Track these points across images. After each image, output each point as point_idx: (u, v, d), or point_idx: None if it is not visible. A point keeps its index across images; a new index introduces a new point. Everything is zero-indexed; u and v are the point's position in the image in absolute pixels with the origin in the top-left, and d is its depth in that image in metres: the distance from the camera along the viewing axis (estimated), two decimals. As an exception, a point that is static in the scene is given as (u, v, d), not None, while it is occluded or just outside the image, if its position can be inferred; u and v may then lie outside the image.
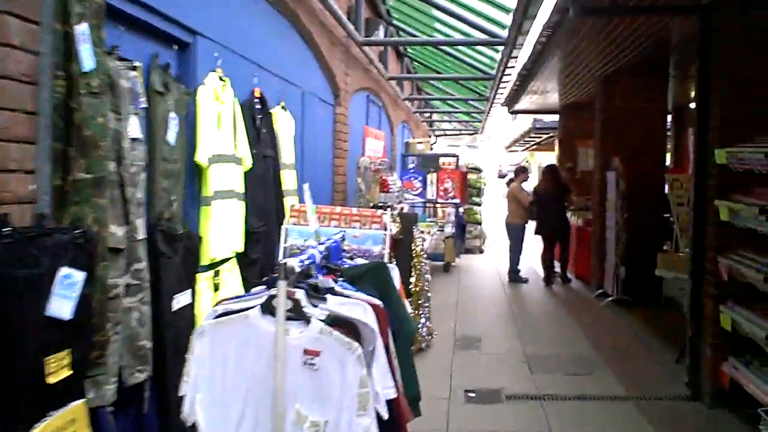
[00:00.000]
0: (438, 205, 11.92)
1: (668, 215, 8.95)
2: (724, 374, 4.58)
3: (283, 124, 4.56)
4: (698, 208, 5.01)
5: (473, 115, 15.82)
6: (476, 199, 14.46)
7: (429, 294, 6.62)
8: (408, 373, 2.62)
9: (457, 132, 20.44)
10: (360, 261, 3.06)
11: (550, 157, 14.88)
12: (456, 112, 16.13)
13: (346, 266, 2.72)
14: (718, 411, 4.69)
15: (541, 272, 10.37)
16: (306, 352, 2.02)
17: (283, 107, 4.58)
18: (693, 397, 4.95)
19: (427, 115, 18.10)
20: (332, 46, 6.31)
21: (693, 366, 5.02)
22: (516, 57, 7.90)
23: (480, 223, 14.29)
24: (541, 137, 17.67)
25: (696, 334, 5.01)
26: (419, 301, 6.10)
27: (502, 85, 10.17)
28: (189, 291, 3.08)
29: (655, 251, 8.41)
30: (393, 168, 9.59)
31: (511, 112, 13.55)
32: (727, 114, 4.67)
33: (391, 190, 6.38)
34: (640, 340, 6.74)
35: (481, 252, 14.11)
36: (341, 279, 2.48)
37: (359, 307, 2.24)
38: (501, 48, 7.81)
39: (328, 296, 2.22)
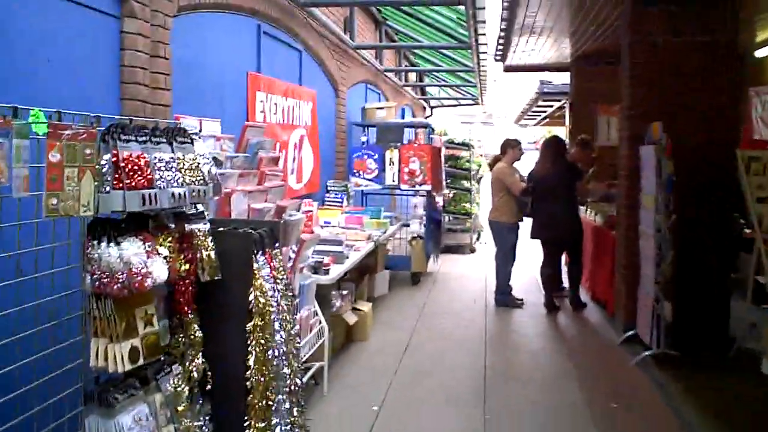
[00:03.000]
0: (399, 194, 8.80)
1: (739, 216, 5.75)
2: None
3: None
4: None
5: (466, 78, 12.55)
6: (465, 184, 11.26)
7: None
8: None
9: (455, 102, 17.10)
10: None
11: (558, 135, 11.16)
12: (441, 71, 12.77)
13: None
14: None
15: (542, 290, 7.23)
16: None
17: None
18: None
19: (419, 89, 14.92)
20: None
21: None
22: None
23: (469, 215, 11.11)
24: (552, 106, 14.31)
25: None
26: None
27: (479, 26, 6.95)
28: None
29: (723, 279, 5.29)
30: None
31: (507, 69, 10.29)
32: None
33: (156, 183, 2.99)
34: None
35: (472, 251, 10.95)
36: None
37: None
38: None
39: None
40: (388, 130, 8.47)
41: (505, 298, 7.18)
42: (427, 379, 4.87)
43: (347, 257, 5.24)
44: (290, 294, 3.56)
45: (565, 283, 7.43)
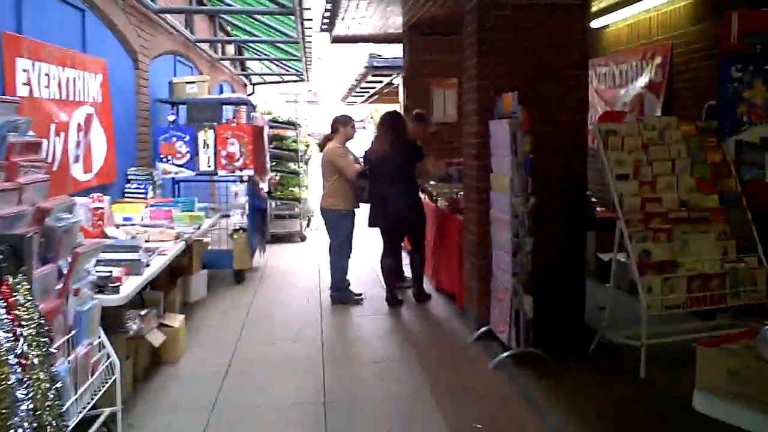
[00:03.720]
0: (216, 181, 7.63)
1: (591, 195, 5.35)
2: None
3: None
4: None
5: (289, 52, 11.50)
6: (292, 166, 10.27)
7: None
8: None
9: (278, 78, 15.93)
10: None
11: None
12: (261, 42, 11.62)
13: None
14: None
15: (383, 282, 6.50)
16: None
17: None
18: None
19: (239, 64, 13.61)
20: None
21: None
22: None
23: (298, 200, 10.16)
24: (382, 82, 13.69)
25: None
26: None
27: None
28: None
29: (577, 265, 4.88)
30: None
31: (335, 40, 9.41)
32: None
33: None
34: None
35: (303, 239, 10.02)
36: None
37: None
38: None
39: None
40: (201, 107, 7.21)
41: (342, 295, 6.34)
42: (253, 418, 3.88)
43: (147, 265, 4.08)
44: (45, 339, 2.46)
45: (407, 273, 6.77)
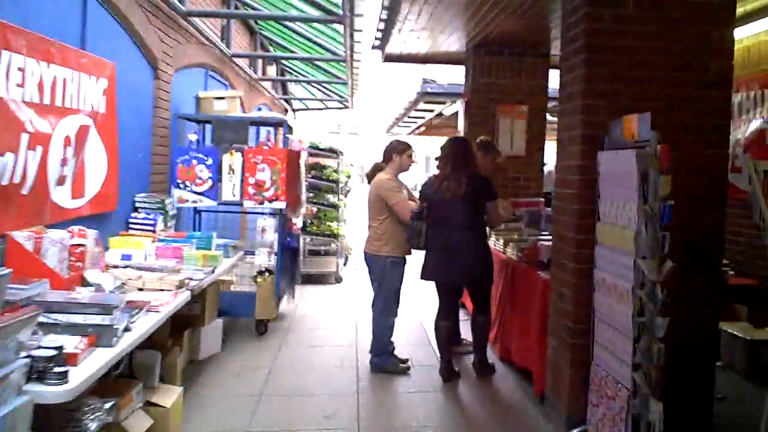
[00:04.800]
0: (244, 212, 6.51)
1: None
2: None
3: None
4: None
5: (334, 74, 10.47)
6: (331, 199, 9.14)
7: None
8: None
9: (321, 104, 14.92)
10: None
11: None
12: (305, 59, 10.61)
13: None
14: None
15: (436, 348, 5.26)
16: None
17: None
18: None
19: (280, 86, 12.71)
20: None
21: None
22: None
23: (336, 236, 9.00)
24: (432, 111, 12.56)
25: None
26: None
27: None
28: None
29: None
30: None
31: (387, 59, 8.34)
32: None
33: None
34: None
35: (338, 281, 8.84)
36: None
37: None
38: None
39: None
40: (227, 126, 6.13)
41: (384, 362, 5.11)
42: None
43: (127, 330, 2.92)
44: None
45: (463, 334, 5.53)
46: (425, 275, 4.97)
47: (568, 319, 3.80)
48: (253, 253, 6.32)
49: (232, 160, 5.88)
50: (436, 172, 5.09)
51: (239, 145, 5.99)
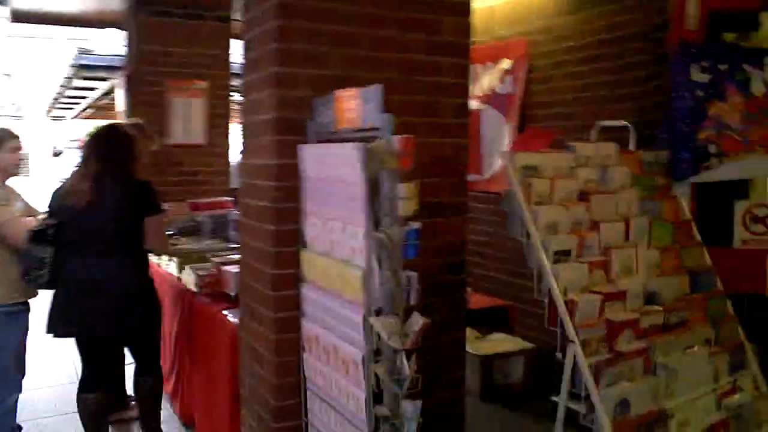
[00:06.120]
0: None
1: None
2: None
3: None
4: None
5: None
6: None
7: None
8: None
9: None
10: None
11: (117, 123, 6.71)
12: None
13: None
14: None
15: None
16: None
17: None
18: None
19: None
20: None
21: None
22: None
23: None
24: (96, 88, 10.35)
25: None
26: None
27: None
28: None
29: None
30: None
31: (16, 18, 6.20)
32: None
33: None
34: None
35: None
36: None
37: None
38: None
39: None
40: None
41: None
42: None
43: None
44: None
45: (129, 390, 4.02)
46: (53, 326, 3.24)
47: (269, 392, 2.56)
48: None
49: None
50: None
51: None
